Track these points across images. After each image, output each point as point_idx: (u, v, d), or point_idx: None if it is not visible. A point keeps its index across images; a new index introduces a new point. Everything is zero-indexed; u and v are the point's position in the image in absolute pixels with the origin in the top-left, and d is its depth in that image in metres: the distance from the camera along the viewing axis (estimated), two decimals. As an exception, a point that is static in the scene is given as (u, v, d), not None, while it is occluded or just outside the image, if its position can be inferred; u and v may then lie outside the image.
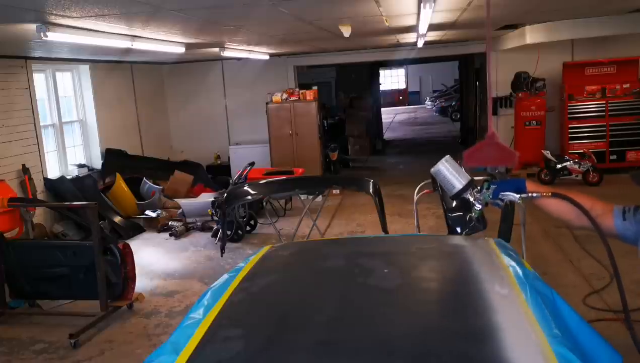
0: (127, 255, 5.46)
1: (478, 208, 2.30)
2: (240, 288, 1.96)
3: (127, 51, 7.58)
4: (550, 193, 2.13)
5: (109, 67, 9.93)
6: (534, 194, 2.16)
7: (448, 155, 2.34)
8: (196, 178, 10.25)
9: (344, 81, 17.87)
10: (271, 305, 1.87)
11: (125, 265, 5.43)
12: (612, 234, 2.03)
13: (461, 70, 18.27)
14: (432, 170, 2.33)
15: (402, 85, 36.74)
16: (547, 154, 9.92)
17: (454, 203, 4.39)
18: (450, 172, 2.29)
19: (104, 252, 5.33)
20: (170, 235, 8.19)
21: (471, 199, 2.30)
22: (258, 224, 8.26)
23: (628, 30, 8.50)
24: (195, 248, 7.63)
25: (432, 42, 10.57)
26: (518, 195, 2.19)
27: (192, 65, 11.93)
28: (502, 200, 2.24)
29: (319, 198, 7.64)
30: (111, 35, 5.66)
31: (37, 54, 7.70)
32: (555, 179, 9.78)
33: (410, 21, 6.83)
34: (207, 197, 8.61)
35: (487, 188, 2.26)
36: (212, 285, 2.06)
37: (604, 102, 10.21)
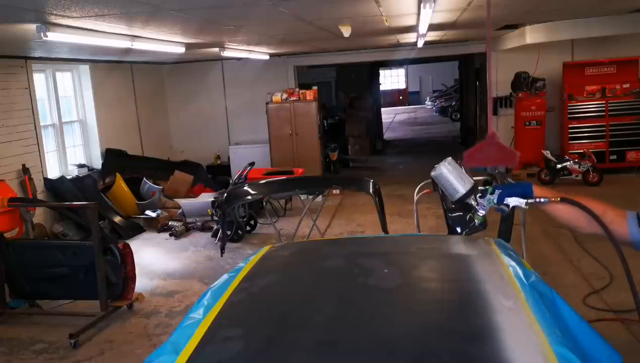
0: (127, 255, 5.46)
1: (481, 214, 2.17)
2: (240, 288, 1.96)
3: (127, 51, 7.58)
4: (559, 199, 1.99)
5: (109, 67, 9.93)
6: (542, 199, 2.02)
7: (450, 158, 2.22)
8: (196, 178, 10.25)
9: (344, 81, 17.87)
10: (271, 305, 1.87)
11: (125, 265, 5.43)
12: (626, 241, 1.94)
13: (461, 70, 18.27)
14: (433, 173, 2.19)
15: (402, 85, 36.74)
16: (547, 154, 9.92)
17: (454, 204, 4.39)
18: (453, 176, 2.16)
19: (104, 252, 5.33)
20: (170, 235, 8.19)
21: (474, 204, 2.17)
22: (258, 224, 8.26)
23: (628, 30, 8.50)
24: (195, 248, 7.63)
25: (432, 42, 10.57)
26: (524, 201, 2.06)
27: (192, 65, 11.93)
28: (507, 205, 2.11)
29: (319, 198, 7.64)
30: (111, 35, 5.66)
31: (37, 54, 7.70)
32: (555, 179, 9.79)
33: (410, 21, 6.83)
34: (207, 197, 8.61)
35: (492, 193, 2.12)
36: (212, 285, 2.06)
37: (604, 102, 10.21)
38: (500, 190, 2.11)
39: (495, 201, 2.12)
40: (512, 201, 2.08)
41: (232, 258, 6.84)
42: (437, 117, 27.61)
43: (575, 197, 2.00)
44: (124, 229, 8.29)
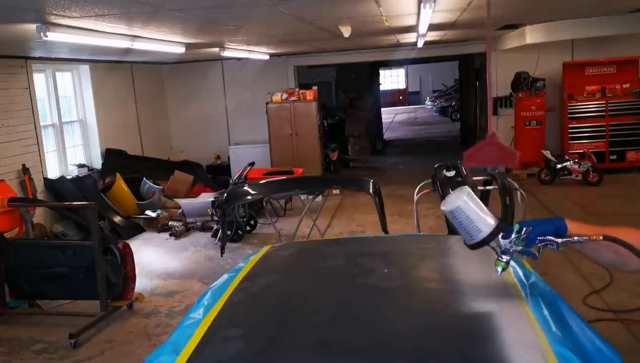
0: (127, 255, 5.46)
1: (504, 261, 1.70)
2: (240, 288, 1.97)
3: (127, 51, 7.58)
4: (601, 237, 1.61)
5: (109, 67, 9.93)
6: (581, 238, 1.64)
7: (466, 186, 1.78)
8: (196, 178, 10.25)
9: (344, 81, 17.87)
10: (271, 305, 1.88)
11: (125, 265, 5.42)
12: None
13: (461, 70, 18.26)
14: (446, 208, 1.74)
15: (402, 85, 36.75)
16: (547, 154, 9.93)
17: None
18: (473, 213, 1.70)
19: (104, 252, 5.33)
20: (170, 235, 8.19)
21: (494, 247, 1.73)
22: (258, 224, 8.26)
23: (628, 30, 8.50)
24: (195, 248, 7.63)
25: (432, 42, 10.56)
26: (559, 241, 1.66)
27: (192, 65, 11.93)
28: (538, 248, 1.70)
29: (319, 198, 7.64)
30: (111, 35, 5.66)
31: (37, 54, 7.70)
32: (555, 179, 9.80)
33: (410, 21, 6.83)
34: (207, 197, 8.60)
35: (518, 232, 1.68)
36: (212, 285, 2.07)
37: (604, 102, 10.21)
38: (529, 228, 1.68)
39: (524, 243, 1.69)
40: (545, 242, 1.68)
41: (232, 258, 6.84)
42: (437, 117, 27.61)
43: (616, 230, 1.66)
44: (124, 229, 8.29)
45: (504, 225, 1.70)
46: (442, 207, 1.76)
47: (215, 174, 11.10)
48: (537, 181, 9.97)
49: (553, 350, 1.45)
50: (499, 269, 1.71)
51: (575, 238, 1.64)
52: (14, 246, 5.58)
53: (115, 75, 10.24)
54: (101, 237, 5.40)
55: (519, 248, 1.69)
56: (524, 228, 1.68)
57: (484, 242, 1.70)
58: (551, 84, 10.56)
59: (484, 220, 1.69)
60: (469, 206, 1.69)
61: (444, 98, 28.32)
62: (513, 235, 1.68)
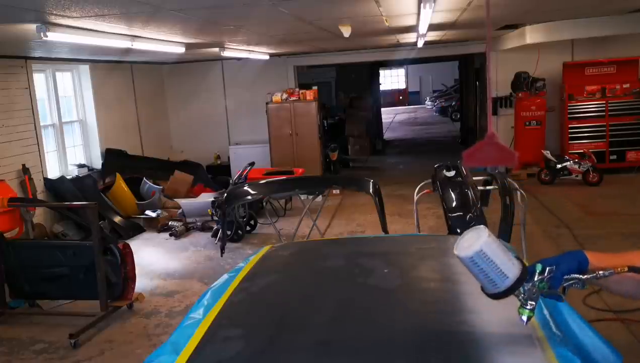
0: (127, 255, 5.46)
1: (530, 308, 1.46)
2: (240, 288, 1.97)
3: (127, 51, 7.58)
4: (626, 269, 1.47)
5: (109, 67, 9.93)
6: (607, 273, 1.48)
7: (483, 226, 1.51)
8: (196, 178, 10.26)
9: (344, 81, 17.87)
10: (271, 305, 1.88)
11: (125, 265, 5.42)
12: None
13: (461, 70, 18.27)
14: (465, 253, 1.44)
15: (402, 85, 36.75)
16: (547, 154, 9.93)
17: (454, 204, 4.40)
18: (497, 254, 1.43)
19: (104, 252, 5.33)
20: (170, 235, 8.19)
21: (518, 294, 1.48)
22: (258, 224, 8.26)
23: (628, 30, 8.50)
24: (195, 248, 7.63)
25: (432, 42, 10.57)
26: (583, 278, 1.51)
27: (192, 65, 11.93)
28: (564, 289, 1.53)
29: (319, 198, 7.64)
30: (111, 35, 5.66)
31: (37, 54, 7.70)
32: (555, 179, 9.80)
33: (410, 21, 6.83)
34: (207, 197, 8.61)
35: (541, 273, 1.49)
36: (212, 285, 2.07)
37: (604, 102, 10.21)
38: (552, 267, 1.51)
39: (547, 284, 1.50)
40: (570, 283, 1.52)
41: (232, 258, 6.84)
42: (437, 117, 27.61)
43: (631, 254, 1.58)
44: (124, 229, 8.29)
45: (527, 269, 1.47)
46: (458, 253, 1.45)
47: (215, 174, 11.10)
48: (537, 181, 9.97)
49: (554, 350, 1.45)
50: (524, 318, 1.46)
51: (601, 273, 1.49)
52: (14, 246, 5.58)
53: (115, 75, 10.24)
54: (101, 237, 5.40)
55: (544, 290, 1.49)
56: (547, 268, 1.50)
57: (512, 289, 1.44)
58: (551, 84, 10.57)
59: (508, 263, 1.43)
60: (491, 248, 1.42)
61: (444, 98, 28.31)
62: (536, 277, 1.48)
